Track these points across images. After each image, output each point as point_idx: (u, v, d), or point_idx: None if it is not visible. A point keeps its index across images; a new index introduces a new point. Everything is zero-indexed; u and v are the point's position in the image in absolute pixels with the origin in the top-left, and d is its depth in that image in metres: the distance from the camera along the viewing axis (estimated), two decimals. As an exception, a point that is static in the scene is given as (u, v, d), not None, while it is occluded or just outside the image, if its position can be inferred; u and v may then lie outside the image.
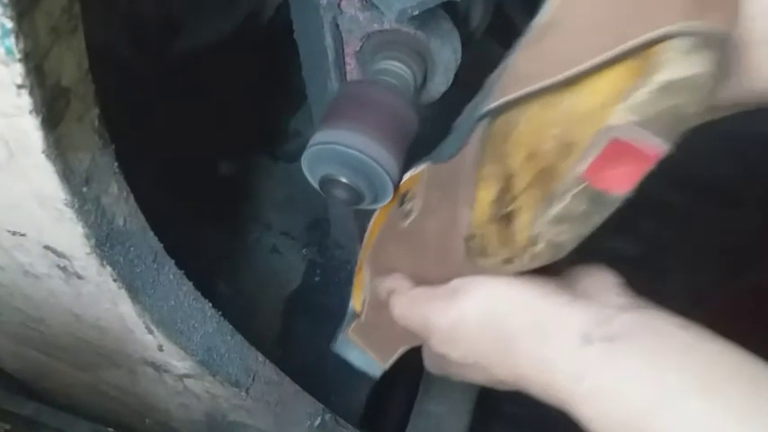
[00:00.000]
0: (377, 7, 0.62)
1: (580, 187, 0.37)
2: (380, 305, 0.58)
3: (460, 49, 0.67)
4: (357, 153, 0.57)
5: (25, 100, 0.42)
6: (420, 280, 0.52)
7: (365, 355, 0.63)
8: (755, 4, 0.41)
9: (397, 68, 0.65)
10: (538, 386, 0.44)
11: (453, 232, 0.47)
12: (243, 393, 0.74)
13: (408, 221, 0.54)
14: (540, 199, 0.39)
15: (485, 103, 0.45)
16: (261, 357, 0.76)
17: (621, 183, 0.36)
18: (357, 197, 0.61)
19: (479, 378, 0.51)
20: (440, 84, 0.70)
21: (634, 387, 0.38)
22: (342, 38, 0.69)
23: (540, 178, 0.39)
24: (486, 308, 0.46)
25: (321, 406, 0.85)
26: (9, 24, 0.38)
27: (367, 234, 0.64)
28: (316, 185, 0.62)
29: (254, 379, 0.75)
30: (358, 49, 0.69)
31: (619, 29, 0.36)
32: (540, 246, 0.39)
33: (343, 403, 1.00)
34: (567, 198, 0.37)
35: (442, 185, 0.51)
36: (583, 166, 0.36)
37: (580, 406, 0.40)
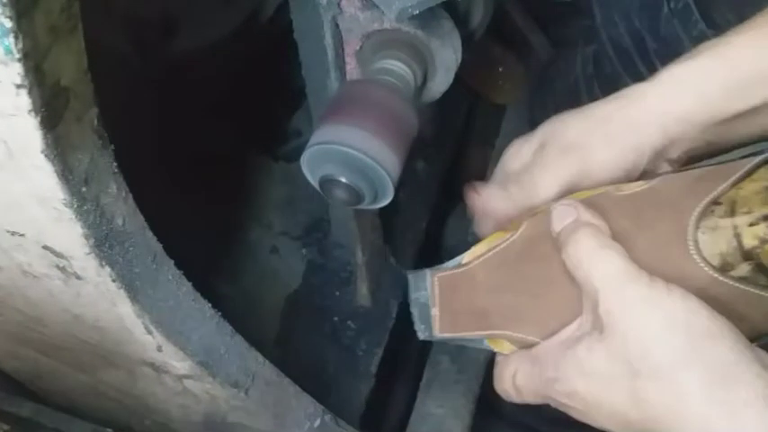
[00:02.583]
0: (377, 6, 0.62)
1: None
2: (520, 256, 0.54)
3: (461, 48, 0.67)
4: (357, 153, 0.57)
5: (24, 100, 0.42)
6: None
7: (430, 307, 0.58)
8: None
9: (397, 68, 0.65)
10: (697, 426, 0.41)
11: (693, 199, 0.45)
12: (242, 394, 0.73)
13: (630, 191, 0.51)
14: None
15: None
16: (260, 358, 0.76)
17: None
18: (357, 197, 0.61)
19: (606, 393, 0.46)
20: (440, 83, 0.70)
21: None
22: (341, 37, 0.69)
23: None
24: (685, 314, 0.43)
25: (321, 407, 0.85)
26: (8, 24, 0.38)
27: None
28: (315, 185, 0.62)
29: (253, 380, 0.74)
30: (358, 48, 0.69)
31: None
32: None
33: (342, 404, 1.01)
34: None
35: (687, 178, 0.49)
36: None
37: None
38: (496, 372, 0.57)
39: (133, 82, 1.02)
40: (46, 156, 0.46)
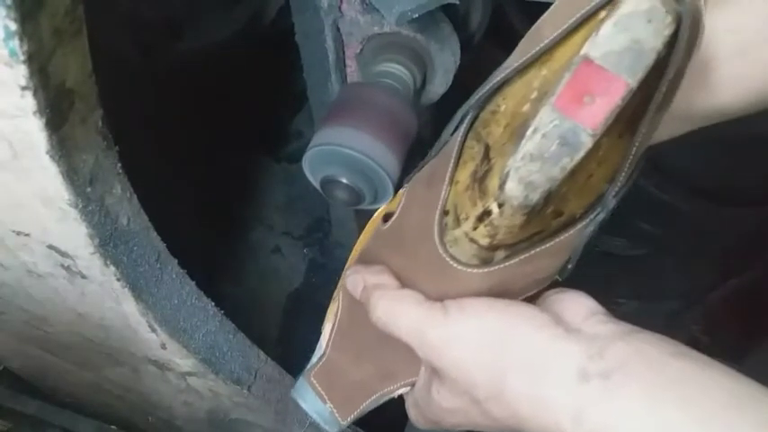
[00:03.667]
0: (377, 10, 0.63)
1: (551, 125, 0.38)
2: (352, 325, 0.57)
3: (459, 51, 0.68)
4: (357, 154, 0.58)
5: (29, 101, 0.42)
6: (404, 285, 0.51)
7: (324, 404, 0.59)
8: (726, 20, 0.42)
9: (396, 71, 0.66)
10: (535, 427, 0.42)
11: (430, 216, 0.46)
12: (245, 391, 0.74)
13: (392, 220, 0.53)
14: (513, 145, 0.39)
15: (468, 103, 0.47)
16: (262, 355, 0.76)
17: (591, 116, 0.37)
18: (357, 198, 0.61)
19: (473, 418, 0.48)
20: (439, 86, 0.71)
21: (636, 423, 0.38)
22: (342, 40, 0.69)
23: (515, 133, 0.41)
24: (480, 330, 0.44)
25: (322, 404, 0.85)
26: (13, 26, 0.38)
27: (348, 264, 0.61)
28: (317, 186, 0.63)
29: (255, 377, 0.75)
30: (358, 51, 0.70)
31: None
32: (511, 184, 0.39)
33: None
34: (538, 137, 0.38)
35: (426, 178, 0.50)
36: (554, 98, 0.37)
37: None
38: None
39: (137, 83, 1.02)
40: (51, 156, 0.46)
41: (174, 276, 0.64)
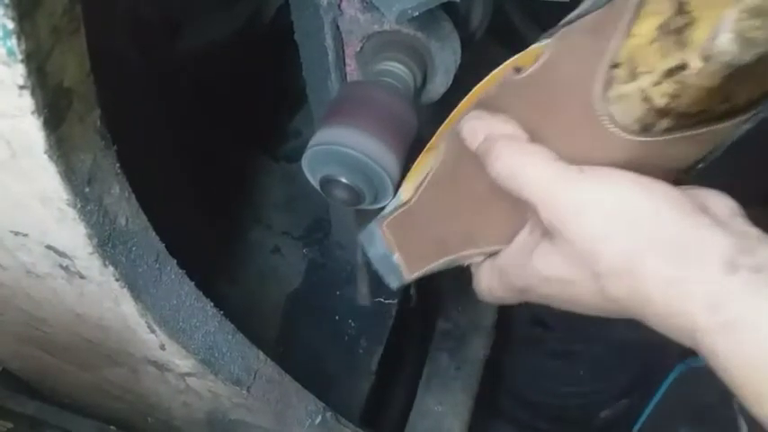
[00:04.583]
0: (377, 8, 0.62)
1: None
2: (451, 178, 0.52)
3: (460, 50, 0.68)
4: (357, 154, 0.58)
5: (27, 101, 0.42)
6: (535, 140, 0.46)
7: (391, 256, 0.57)
8: None
9: (397, 69, 0.66)
10: (661, 311, 0.40)
11: (592, 66, 0.42)
12: (244, 392, 0.74)
13: (534, 68, 0.47)
14: None
15: None
16: (262, 356, 0.76)
17: None
18: (357, 197, 0.61)
19: (577, 292, 0.45)
20: (440, 85, 0.71)
21: None
22: (342, 39, 0.69)
23: None
24: (621, 202, 0.41)
25: (322, 404, 0.85)
26: (11, 25, 0.38)
27: (454, 113, 0.55)
28: (316, 186, 0.63)
29: (255, 377, 0.75)
30: (358, 50, 0.69)
31: None
32: (727, 37, 0.36)
33: (343, 401, 1.01)
34: None
35: (586, 27, 0.45)
36: None
37: (714, 336, 0.37)
38: (474, 283, 0.56)
39: (136, 83, 1.02)
40: (49, 156, 0.46)
41: (173, 277, 0.64)
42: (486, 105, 0.50)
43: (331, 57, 0.70)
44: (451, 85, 0.70)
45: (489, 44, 0.75)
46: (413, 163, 0.59)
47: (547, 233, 0.46)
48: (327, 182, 0.61)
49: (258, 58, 1.18)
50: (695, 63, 0.38)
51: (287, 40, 0.74)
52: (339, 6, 0.66)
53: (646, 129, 0.42)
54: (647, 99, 0.40)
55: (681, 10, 0.38)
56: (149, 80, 1.08)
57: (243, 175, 1.27)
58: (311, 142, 0.60)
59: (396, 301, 1.11)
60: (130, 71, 1.03)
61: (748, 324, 0.36)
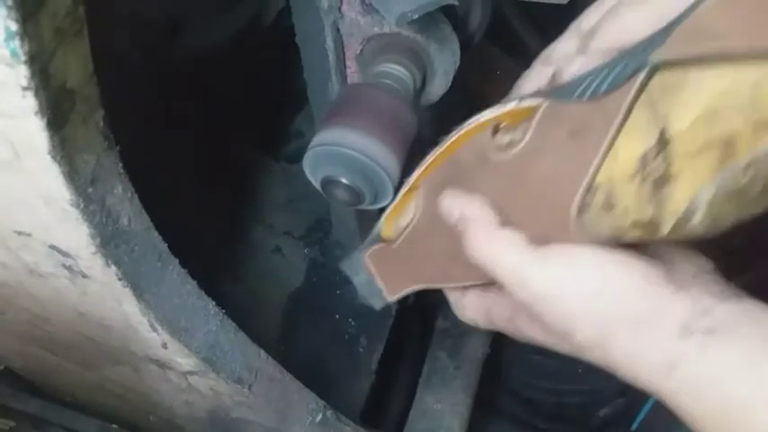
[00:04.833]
0: (377, 11, 0.63)
1: None
2: (430, 234, 0.54)
3: (459, 52, 0.68)
4: (358, 154, 0.58)
5: (30, 102, 0.42)
6: (507, 222, 0.46)
7: (372, 282, 0.60)
8: None
9: (396, 71, 0.66)
10: (629, 377, 0.42)
11: (571, 178, 0.42)
12: (246, 390, 0.74)
13: (512, 153, 0.46)
14: (714, 170, 0.34)
15: (653, 50, 0.38)
16: (263, 355, 0.77)
17: None
18: (357, 198, 0.62)
19: (556, 347, 0.48)
20: (439, 87, 0.71)
21: (732, 377, 0.37)
22: (342, 41, 0.69)
23: (714, 147, 0.35)
24: (590, 282, 0.42)
25: (322, 402, 0.86)
26: (14, 27, 0.38)
27: (428, 158, 0.55)
28: (317, 186, 0.63)
29: (256, 376, 0.75)
30: (358, 52, 0.70)
31: None
32: (696, 219, 0.35)
33: (344, 400, 1.01)
34: (748, 176, 0.33)
35: (569, 125, 0.43)
36: None
37: (674, 395, 0.39)
38: (455, 307, 0.58)
39: (137, 83, 1.02)
40: (52, 157, 0.46)
41: (175, 276, 0.64)
42: (463, 177, 0.51)
43: (331, 59, 0.71)
44: (450, 86, 0.71)
45: (488, 46, 0.75)
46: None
47: (523, 306, 0.48)
48: (328, 182, 0.61)
49: (260, 60, 1.19)
50: (665, 228, 0.38)
51: (288, 42, 0.74)
52: (340, 9, 0.66)
53: (618, 239, 0.42)
54: (618, 234, 0.41)
55: (663, 145, 0.37)
56: (151, 81, 1.08)
57: (245, 175, 1.27)
58: (312, 143, 0.60)
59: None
60: (132, 72, 1.04)
61: (704, 379, 0.38)
